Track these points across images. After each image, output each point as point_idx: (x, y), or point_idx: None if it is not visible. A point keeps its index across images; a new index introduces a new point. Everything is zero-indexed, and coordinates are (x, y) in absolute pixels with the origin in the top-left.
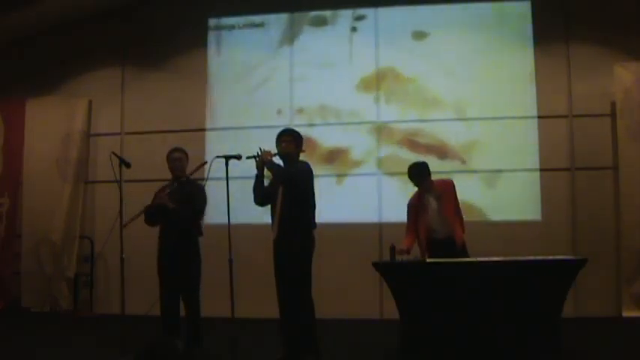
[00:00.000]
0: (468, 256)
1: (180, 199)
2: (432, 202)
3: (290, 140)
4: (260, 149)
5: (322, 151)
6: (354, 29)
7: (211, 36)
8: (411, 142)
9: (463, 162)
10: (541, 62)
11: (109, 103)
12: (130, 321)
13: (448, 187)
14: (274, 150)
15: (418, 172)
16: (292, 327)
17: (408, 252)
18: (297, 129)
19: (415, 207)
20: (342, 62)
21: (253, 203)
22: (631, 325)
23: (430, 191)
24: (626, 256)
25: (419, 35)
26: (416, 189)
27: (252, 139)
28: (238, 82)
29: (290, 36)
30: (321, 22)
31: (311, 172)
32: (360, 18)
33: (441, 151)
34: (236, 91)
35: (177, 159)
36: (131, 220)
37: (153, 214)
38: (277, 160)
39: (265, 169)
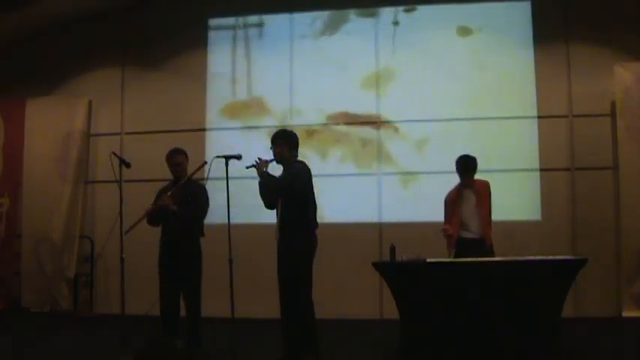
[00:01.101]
0: (494, 257)
1: (183, 200)
2: (472, 199)
3: (283, 143)
4: (258, 159)
5: (322, 150)
6: (351, 30)
7: (211, 36)
8: (409, 141)
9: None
10: (541, 62)
11: (109, 103)
12: (130, 321)
13: (484, 188)
14: (270, 156)
15: (462, 166)
16: (292, 327)
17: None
18: (296, 129)
19: (452, 202)
20: (342, 62)
21: (253, 203)
22: (631, 325)
23: (471, 187)
24: (626, 256)
25: (418, 35)
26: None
27: (253, 138)
28: (238, 82)
29: (290, 36)
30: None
31: (308, 171)
32: (361, 17)
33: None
34: (235, 91)
35: (178, 164)
36: (134, 225)
37: (155, 216)
38: (273, 166)
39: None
